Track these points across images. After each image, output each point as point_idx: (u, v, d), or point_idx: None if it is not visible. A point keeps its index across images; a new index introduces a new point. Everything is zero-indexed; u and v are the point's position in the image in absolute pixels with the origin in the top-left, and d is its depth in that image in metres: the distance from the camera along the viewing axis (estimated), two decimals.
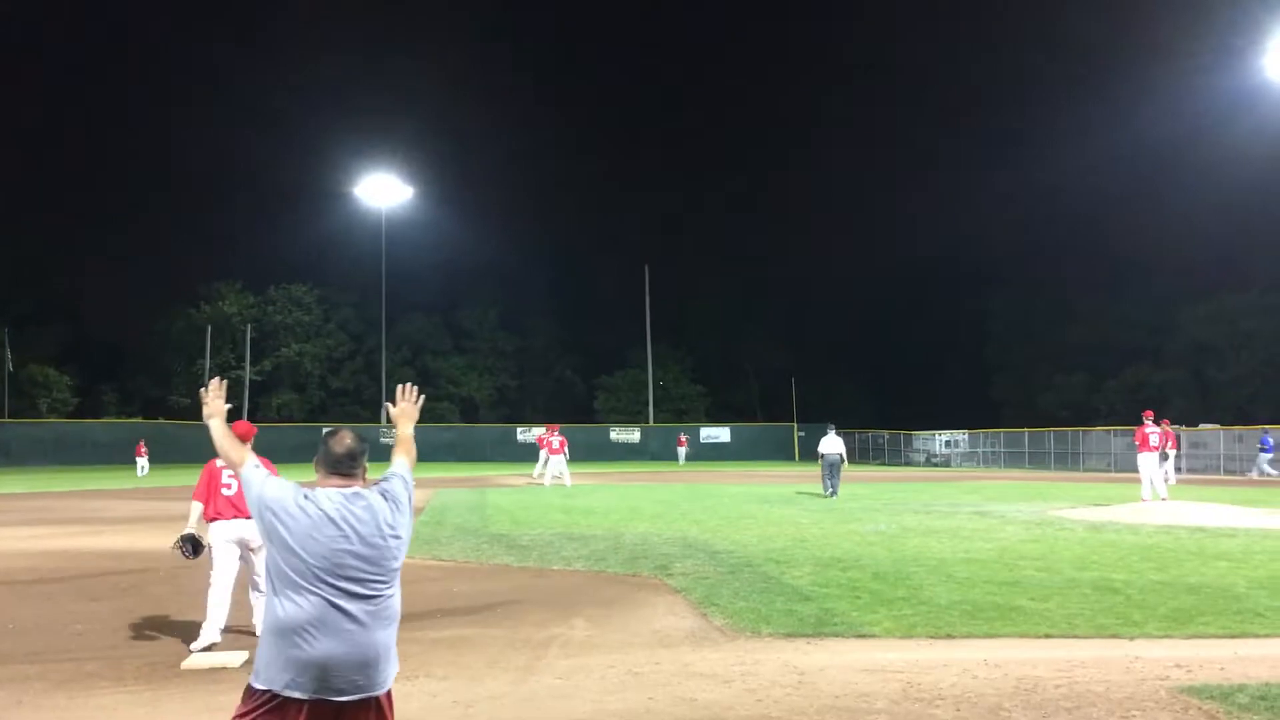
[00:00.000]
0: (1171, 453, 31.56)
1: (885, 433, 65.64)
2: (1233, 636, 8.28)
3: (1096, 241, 71.60)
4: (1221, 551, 13.47)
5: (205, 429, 4.19)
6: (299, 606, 3.49)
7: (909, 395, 78.40)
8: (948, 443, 63.83)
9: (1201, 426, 48.56)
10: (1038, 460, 54.68)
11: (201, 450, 7.37)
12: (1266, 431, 39.78)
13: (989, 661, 7.36)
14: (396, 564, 3.70)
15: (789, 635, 8.29)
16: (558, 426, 34.37)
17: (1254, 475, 37.48)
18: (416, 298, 76.46)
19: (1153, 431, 22.39)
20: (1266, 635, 8.34)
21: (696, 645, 8.04)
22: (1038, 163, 74.17)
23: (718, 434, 70.72)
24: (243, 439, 4.91)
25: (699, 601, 9.83)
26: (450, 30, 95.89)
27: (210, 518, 8.21)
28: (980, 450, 62.28)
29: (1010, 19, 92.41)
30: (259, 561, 8.00)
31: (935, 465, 58.41)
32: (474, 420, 75.58)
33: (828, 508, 21.56)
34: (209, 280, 75.05)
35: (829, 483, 25.07)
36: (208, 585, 8.16)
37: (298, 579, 3.52)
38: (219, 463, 7.98)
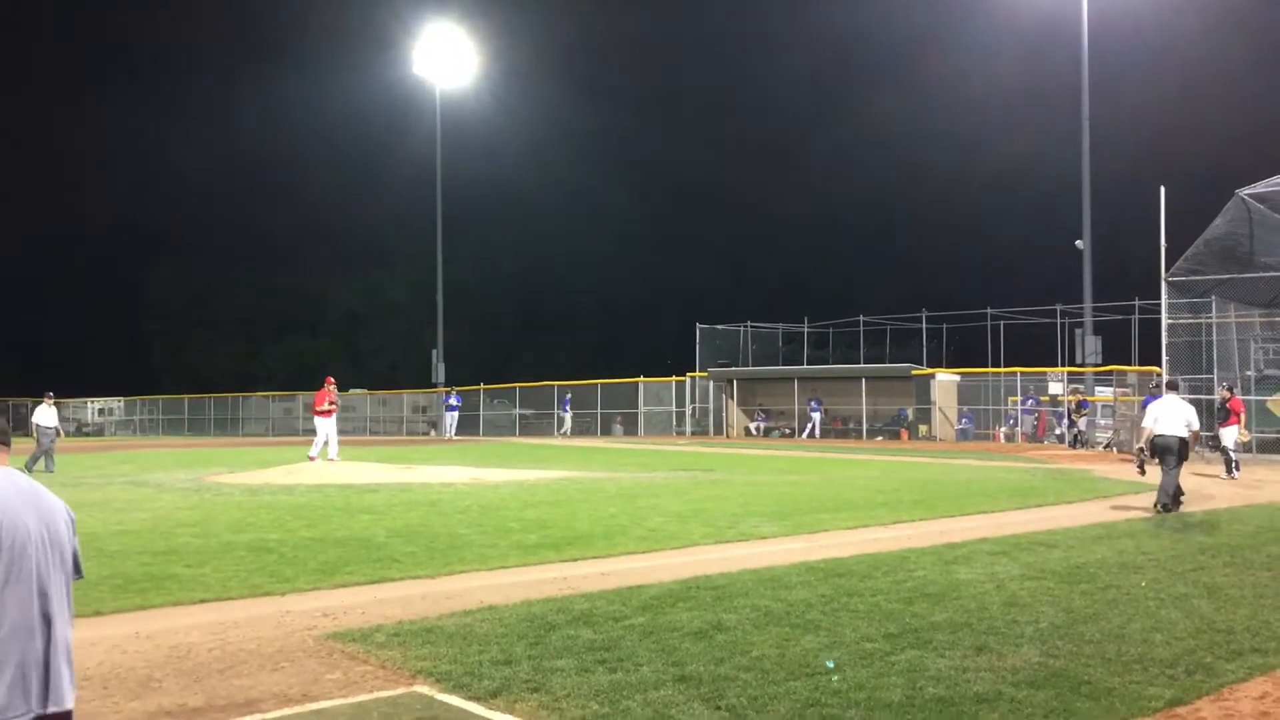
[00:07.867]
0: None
1: (29, 400, 59.81)
2: (374, 583, 9.10)
3: (254, 215, 73.13)
4: (366, 506, 14.71)
5: None
6: None
7: (58, 363, 72.17)
8: (101, 410, 60.76)
9: (352, 391, 52.29)
10: (197, 426, 54.47)
11: None
12: (451, 392, 44.17)
13: (140, 634, 7.14)
14: None
15: None
16: None
17: (444, 435, 41.75)
18: None
19: (332, 389, 24.28)
20: (401, 578, 9.31)
21: None
22: (209, 134, 73.24)
23: None
24: None
25: None
26: None
27: None
28: (137, 418, 60.21)
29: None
30: None
31: (88, 435, 54.96)
32: None
33: None
34: None
35: (50, 461, 22.83)
36: None
37: None
38: None
